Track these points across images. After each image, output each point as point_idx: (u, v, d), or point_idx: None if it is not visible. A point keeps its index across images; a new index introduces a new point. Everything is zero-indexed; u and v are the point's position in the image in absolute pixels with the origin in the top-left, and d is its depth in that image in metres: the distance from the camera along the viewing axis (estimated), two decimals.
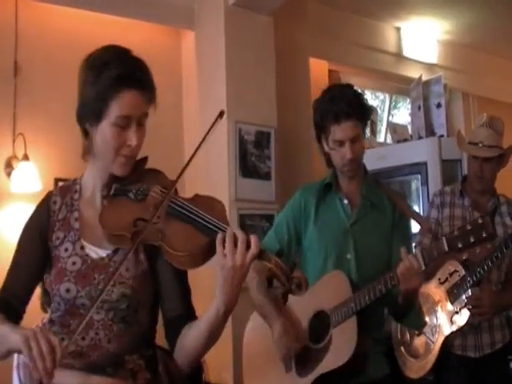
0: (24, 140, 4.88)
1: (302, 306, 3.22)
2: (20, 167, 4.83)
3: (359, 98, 3.25)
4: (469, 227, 2.73)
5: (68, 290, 2.18)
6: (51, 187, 4.89)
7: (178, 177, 2.18)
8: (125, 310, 2.18)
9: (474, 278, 3.92)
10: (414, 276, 2.86)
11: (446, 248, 2.78)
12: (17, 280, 2.27)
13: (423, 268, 2.85)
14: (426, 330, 4.06)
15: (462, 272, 3.99)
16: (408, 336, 4.15)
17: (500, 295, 4.05)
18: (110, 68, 2.14)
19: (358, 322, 3.02)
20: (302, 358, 3.17)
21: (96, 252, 2.24)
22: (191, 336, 2.16)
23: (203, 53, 5.73)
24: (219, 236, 2.02)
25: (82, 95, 2.22)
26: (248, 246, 2.01)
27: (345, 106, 3.14)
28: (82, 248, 2.24)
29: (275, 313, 3.22)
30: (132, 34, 5.47)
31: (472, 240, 2.71)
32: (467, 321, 3.92)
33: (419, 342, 4.10)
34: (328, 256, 3.23)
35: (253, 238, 2.01)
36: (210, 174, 5.43)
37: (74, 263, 2.21)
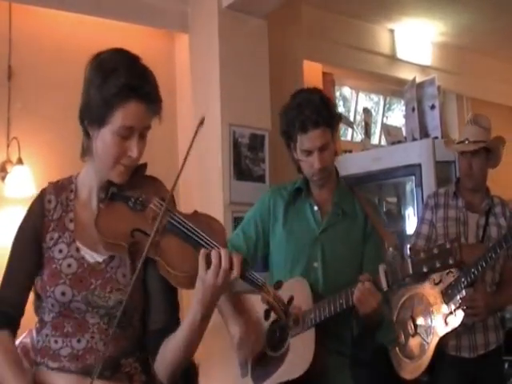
0: (18, 144, 4.88)
1: (259, 310, 3.16)
2: (14, 171, 4.83)
3: (326, 103, 3.12)
4: (435, 251, 2.62)
5: (63, 293, 2.15)
6: None
7: (172, 188, 2.15)
8: (120, 316, 2.15)
9: (469, 279, 3.93)
10: (370, 299, 2.77)
11: (411, 271, 2.68)
12: (13, 288, 2.24)
13: (385, 289, 2.77)
14: (421, 331, 4.06)
15: (457, 273, 4.00)
16: (403, 337, 4.15)
17: (494, 296, 4.06)
18: (119, 75, 2.11)
19: (319, 335, 2.93)
20: (259, 363, 3.08)
21: (92, 256, 2.21)
22: (170, 347, 2.14)
23: (197, 56, 5.73)
24: (203, 251, 2.02)
25: (86, 95, 2.19)
26: (231, 267, 2.00)
27: (311, 114, 3.03)
28: (78, 250, 2.21)
29: (235, 313, 3.08)
30: (126, 37, 5.47)
31: (438, 265, 2.60)
32: (461, 321, 3.93)
33: (414, 342, 4.10)
34: (295, 262, 3.16)
35: (235, 259, 2.01)
36: (205, 177, 5.44)
37: (69, 265, 2.18)
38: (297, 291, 2.97)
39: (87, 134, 2.22)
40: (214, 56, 5.50)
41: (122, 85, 2.10)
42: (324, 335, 2.95)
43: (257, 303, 3.08)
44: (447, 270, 4.02)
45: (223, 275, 1.99)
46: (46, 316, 2.23)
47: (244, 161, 5.47)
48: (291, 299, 2.08)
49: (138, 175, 2.28)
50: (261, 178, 5.56)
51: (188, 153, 2.19)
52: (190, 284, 2.06)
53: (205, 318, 2.07)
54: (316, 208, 3.21)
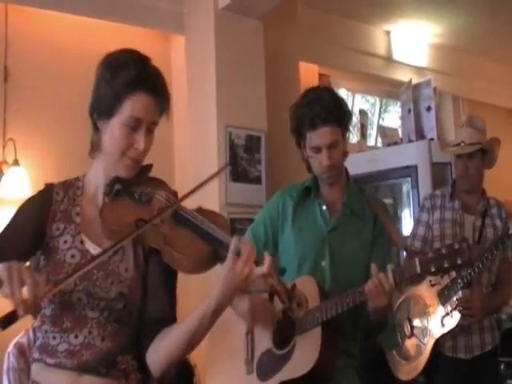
0: (14, 145, 4.88)
1: (272, 309, 3.17)
2: (10, 172, 4.83)
3: (337, 101, 3.14)
4: (444, 251, 2.61)
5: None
6: None
7: (188, 194, 2.16)
8: (120, 310, 2.18)
9: (465, 280, 3.94)
10: (382, 294, 2.75)
11: (419, 270, 2.66)
12: (10, 242, 2.22)
13: (393, 287, 2.76)
14: (417, 332, 4.07)
15: (453, 274, 4.00)
16: (399, 338, 4.15)
17: (490, 297, 4.07)
18: (129, 68, 2.18)
19: (326, 334, 2.91)
20: (265, 361, 3.09)
21: (96, 249, 2.23)
22: (172, 336, 2.14)
23: (193, 57, 5.73)
24: (235, 241, 2.03)
25: (96, 91, 2.25)
26: (260, 263, 2.02)
27: (321, 111, 3.05)
28: (82, 243, 2.24)
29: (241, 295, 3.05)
30: (121, 38, 5.46)
31: (446, 265, 2.59)
32: (458, 323, 3.94)
33: (410, 344, 4.11)
34: (303, 261, 3.15)
35: (267, 258, 2.03)
36: (201, 178, 5.39)
37: (72, 256, 2.21)
38: (305, 289, 3.02)
39: (96, 128, 2.26)
40: (210, 57, 5.50)
41: (131, 77, 2.17)
42: (332, 335, 2.95)
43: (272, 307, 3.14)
44: None
45: (250, 267, 2.01)
46: (46, 310, 2.23)
47: (240, 162, 5.47)
48: (294, 285, 2.09)
49: (143, 175, 2.32)
50: (257, 180, 5.55)
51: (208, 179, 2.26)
52: (195, 268, 2.10)
53: (217, 312, 2.07)
54: (325, 207, 3.21)
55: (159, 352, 2.16)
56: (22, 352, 3.36)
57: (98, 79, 2.25)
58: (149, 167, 2.36)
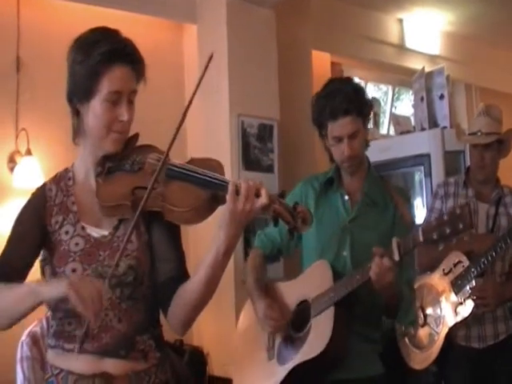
0: (27, 135, 4.89)
1: (287, 295, 3.24)
2: (23, 162, 4.84)
3: (358, 92, 3.18)
4: (445, 218, 2.66)
5: (74, 270, 2.18)
6: None
7: (173, 139, 2.16)
8: (131, 283, 2.19)
9: (478, 269, 3.94)
10: (385, 273, 2.80)
11: (421, 239, 2.72)
12: (16, 252, 2.26)
13: (397, 259, 2.80)
14: (430, 321, 4.07)
15: (466, 263, 4.00)
16: (412, 327, 4.15)
17: (504, 286, 4.06)
18: (101, 45, 2.18)
19: (339, 313, 2.97)
20: (284, 346, 3.17)
21: (97, 232, 2.25)
22: (188, 290, 2.16)
23: (205, 47, 5.72)
24: (232, 181, 2.05)
25: (71, 75, 2.25)
26: (258, 195, 2.03)
27: (341, 101, 3.08)
28: (83, 229, 2.25)
29: (261, 294, 3.21)
30: (134, 28, 5.38)
31: (448, 231, 2.63)
32: (471, 312, 3.93)
33: (423, 333, 4.11)
34: (325, 251, 3.19)
35: (263, 189, 2.04)
36: None
37: (76, 244, 2.22)
38: (319, 273, 3.12)
39: (76, 114, 2.27)
40: (222, 47, 5.48)
41: (105, 51, 2.17)
42: (346, 314, 3.01)
43: (286, 292, 3.25)
44: (457, 260, 4.03)
45: (251, 202, 2.02)
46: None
47: (253, 151, 5.47)
48: (296, 203, 2.11)
49: (130, 146, 2.32)
50: (269, 168, 5.56)
51: (195, 91, 2.28)
52: (196, 217, 2.11)
53: (227, 252, 2.08)
54: (346, 197, 3.25)
55: (179, 310, 2.19)
56: (35, 341, 3.38)
57: (70, 64, 2.25)
58: (135, 137, 2.36)
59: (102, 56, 2.16)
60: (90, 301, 1.92)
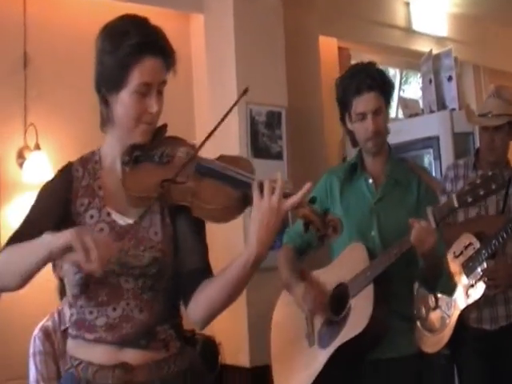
0: (35, 130, 4.91)
1: (324, 280, 3.26)
2: (32, 157, 4.85)
3: (380, 72, 3.32)
4: (478, 181, 2.74)
5: None
6: None
7: (206, 139, 2.15)
8: (154, 275, 2.18)
9: (489, 251, 3.92)
10: (425, 238, 2.87)
11: (456, 204, 2.81)
12: (34, 225, 2.18)
13: (434, 226, 2.87)
14: (442, 304, 4.07)
15: (477, 245, 3.99)
16: (423, 310, 4.15)
17: None
18: (131, 36, 2.14)
19: (377, 292, 3.04)
20: (324, 330, 3.22)
21: (123, 219, 2.22)
22: (213, 288, 2.14)
23: (212, 35, 5.71)
24: (257, 180, 2.04)
25: (100, 64, 2.22)
26: (286, 196, 2.01)
27: (366, 78, 3.19)
28: (109, 214, 2.22)
29: (298, 279, 3.26)
30: None
31: (482, 193, 2.73)
32: (483, 293, 3.93)
33: (435, 316, 4.11)
34: (352, 234, 3.23)
35: (303, 189, 2.02)
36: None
37: (101, 229, 2.19)
38: (355, 255, 3.19)
39: (105, 103, 2.24)
40: (229, 35, 5.48)
41: (135, 43, 2.14)
42: (385, 290, 3.08)
43: (322, 277, 3.27)
44: (468, 242, 4.03)
45: (278, 195, 1.99)
46: (78, 289, 2.22)
47: (261, 138, 5.47)
48: (327, 211, 2.10)
49: (159, 137, 2.30)
50: (278, 155, 5.55)
51: (225, 116, 2.21)
52: (226, 215, 2.10)
53: (258, 255, 2.04)
54: (370, 181, 3.32)
55: (201, 305, 2.18)
56: (47, 335, 3.40)
57: (99, 52, 2.22)
58: (164, 127, 2.34)
59: (133, 48, 2.13)
60: (94, 246, 1.87)
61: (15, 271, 2.04)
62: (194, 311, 2.20)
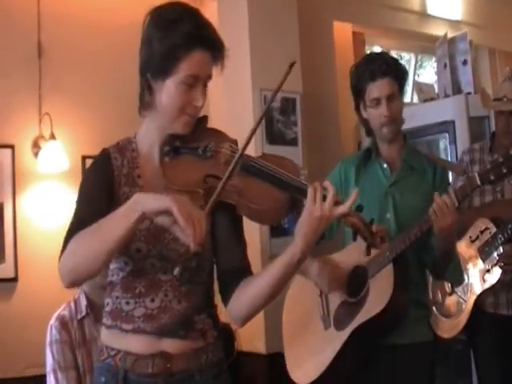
0: (50, 120, 4.92)
1: (340, 261, 3.27)
2: (47, 147, 4.88)
3: (394, 59, 3.39)
4: (501, 159, 2.75)
5: (139, 250, 2.15)
6: (79, 165, 4.95)
7: (251, 134, 2.10)
8: (194, 268, 2.18)
9: (506, 235, 3.91)
10: (446, 214, 2.88)
11: (479, 182, 2.81)
12: (89, 211, 2.10)
13: (456, 205, 2.88)
14: (458, 289, 4.07)
15: (493, 229, 3.98)
16: (440, 295, 4.15)
17: None
18: (183, 26, 2.12)
19: (398, 269, 3.06)
20: (340, 312, 3.23)
21: None
22: (256, 286, 2.13)
23: (226, 22, 5.68)
24: (312, 185, 2.03)
25: (148, 49, 2.18)
26: (336, 203, 2.03)
27: (380, 64, 3.23)
28: None
29: (312, 259, 3.22)
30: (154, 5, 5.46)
31: (504, 170, 2.74)
32: (499, 278, 3.92)
33: (451, 301, 4.11)
34: (368, 217, 3.22)
35: (351, 198, 2.04)
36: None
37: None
38: None
39: (148, 88, 2.21)
40: (242, 21, 5.47)
41: (187, 34, 2.12)
42: (404, 270, 3.11)
43: (338, 260, 3.28)
44: (484, 227, 4.02)
45: (330, 203, 2.01)
46: (114, 277, 2.23)
47: (276, 125, 5.46)
48: (372, 220, 2.13)
49: (200, 128, 2.27)
50: (293, 142, 5.55)
51: (272, 99, 2.37)
52: (272, 217, 2.13)
53: (302, 256, 2.05)
54: (385, 165, 3.35)
55: (244, 303, 2.17)
56: (63, 324, 3.41)
57: (148, 37, 2.20)
58: (205, 119, 2.32)
59: (183, 39, 2.11)
60: (193, 222, 1.86)
61: (97, 251, 1.95)
62: (235, 309, 2.20)
